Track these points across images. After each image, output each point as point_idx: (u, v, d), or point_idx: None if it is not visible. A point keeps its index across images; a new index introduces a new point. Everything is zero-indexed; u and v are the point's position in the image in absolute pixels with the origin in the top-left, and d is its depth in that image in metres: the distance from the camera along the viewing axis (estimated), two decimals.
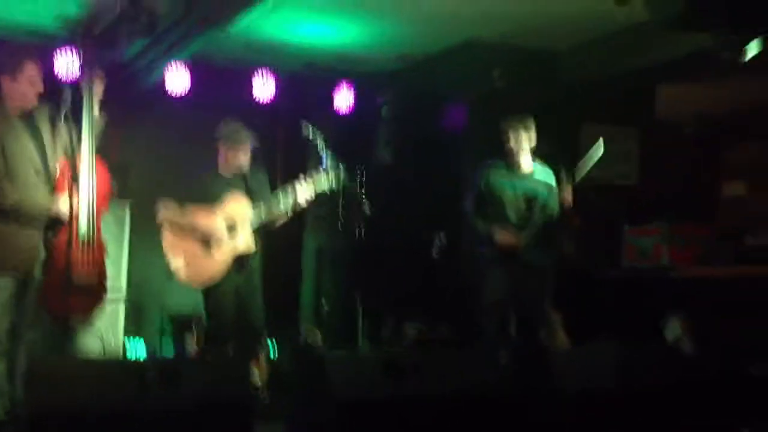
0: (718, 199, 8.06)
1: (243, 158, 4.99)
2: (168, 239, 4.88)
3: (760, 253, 5.74)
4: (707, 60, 4.80)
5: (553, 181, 5.21)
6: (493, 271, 5.00)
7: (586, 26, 5.90)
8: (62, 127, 4.32)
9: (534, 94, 6.38)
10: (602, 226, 6.16)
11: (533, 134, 5.13)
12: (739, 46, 4.23)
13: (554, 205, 5.14)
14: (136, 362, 3.29)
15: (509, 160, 5.16)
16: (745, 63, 4.49)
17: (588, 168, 5.00)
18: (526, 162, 5.18)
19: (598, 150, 5.01)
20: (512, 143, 5.10)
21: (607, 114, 6.93)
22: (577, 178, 4.98)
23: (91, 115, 4.36)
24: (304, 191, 4.90)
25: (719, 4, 3.51)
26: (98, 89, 4.39)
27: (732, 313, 5.11)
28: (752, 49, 4.39)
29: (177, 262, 4.86)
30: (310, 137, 4.98)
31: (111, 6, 5.43)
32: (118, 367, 3.35)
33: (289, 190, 4.93)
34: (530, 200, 5.13)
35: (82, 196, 4.26)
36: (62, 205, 4.19)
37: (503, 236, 4.98)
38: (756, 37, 4.08)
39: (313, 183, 4.96)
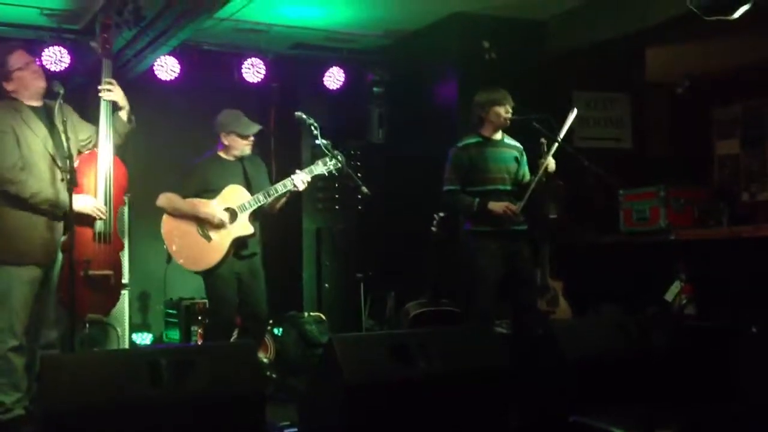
0: (712, 159, 8.11)
1: (244, 146, 5.00)
2: (167, 225, 4.91)
3: (755, 212, 5.78)
4: (694, 21, 4.78)
5: (521, 149, 5.20)
6: (487, 245, 4.96)
7: None
8: (77, 122, 4.37)
9: (523, 64, 6.40)
10: (599, 191, 6.17)
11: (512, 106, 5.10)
12: (727, 7, 4.24)
13: (529, 172, 5.12)
14: (149, 353, 3.32)
15: (487, 133, 5.12)
16: (733, 22, 4.50)
17: (564, 133, 4.97)
18: (500, 133, 5.17)
19: (572, 115, 5.00)
20: (493, 117, 5.07)
21: (597, 80, 6.94)
22: (555, 145, 4.95)
23: (109, 110, 4.41)
24: (301, 176, 4.91)
25: None
26: (112, 84, 4.45)
27: (731, 273, 5.15)
28: (739, 9, 4.39)
29: (176, 247, 4.89)
30: (304, 122, 4.97)
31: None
32: (130, 358, 3.37)
33: (288, 176, 4.95)
34: (511, 169, 5.12)
35: (100, 191, 4.36)
36: (81, 200, 4.23)
37: (498, 207, 4.95)
38: (744, 2, 4.08)
39: (310, 167, 4.97)
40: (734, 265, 5.17)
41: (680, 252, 5.55)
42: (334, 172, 4.97)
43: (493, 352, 3.69)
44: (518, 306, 5.02)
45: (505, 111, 5.05)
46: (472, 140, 5.13)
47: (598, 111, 7.06)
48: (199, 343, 5.93)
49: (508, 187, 5.08)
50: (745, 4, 4.32)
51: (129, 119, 4.57)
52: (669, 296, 5.38)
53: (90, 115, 4.57)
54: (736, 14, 4.38)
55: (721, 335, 3.90)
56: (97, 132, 4.45)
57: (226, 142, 5.01)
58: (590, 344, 3.89)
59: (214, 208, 4.87)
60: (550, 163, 4.96)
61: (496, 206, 4.94)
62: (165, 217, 4.93)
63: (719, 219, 5.48)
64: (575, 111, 5.05)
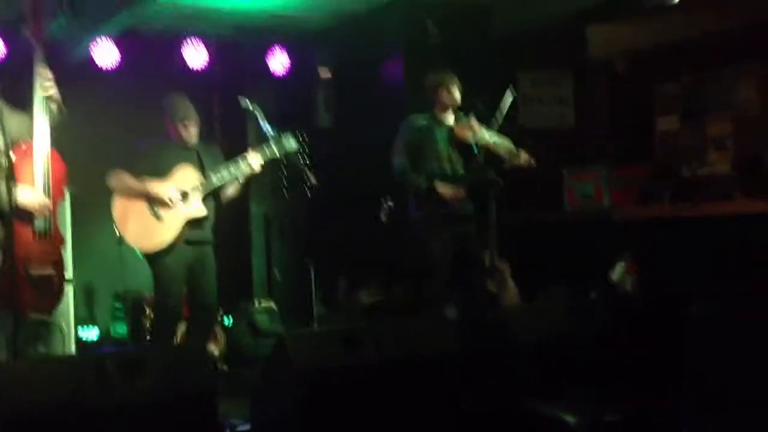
0: (653, 135, 8.23)
1: (192, 130, 4.93)
2: (118, 206, 4.84)
3: (695, 188, 5.90)
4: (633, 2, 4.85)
5: None
6: (436, 229, 4.97)
7: None
8: (11, 115, 4.22)
9: (468, 45, 6.42)
10: (542, 171, 6.22)
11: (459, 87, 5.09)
12: None
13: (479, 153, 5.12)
14: (96, 355, 3.26)
15: (437, 114, 5.12)
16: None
17: (504, 115, 5.00)
18: (451, 115, 5.16)
19: (509, 97, 5.03)
20: (445, 97, 5.06)
21: (541, 60, 6.99)
22: (496, 126, 4.99)
23: (45, 101, 4.24)
24: (252, 161, 4.86)
25: None
26: (46, 74, 4.26)
27: (674, 251, 5.27)
28: None
29: (127, 227, 4.82)
30: (249, 108, 4.91)
31: None
32: (77, 362, 3.32)
33: (239, 161, 4.89)
34: (459, 151, 5.12)
35: (38, 185, 4.20)
36: (25, 194, 4.11)
37: (445, 189, 4.94)
38: None
39: (263, 148, 4.92)
40: (677, 243, 5.29)
41: (624, 231, 5.65)
42: (280, 153, 4.92)
43: (444, 338, 3.72)
44: (468, 288, 5.06)
45: (448, 93, 5.05)
46: (423, 119, 5.13)
47: (543, 89, 7.12)
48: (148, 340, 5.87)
49: (459, 170, 5.09)
50: None
51: (60, 110, 4.42)
52: (614, 276, 5.48)
53: (28, 104, 4.44)
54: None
55: (665, 317, 3.98)
56: (30, 123, 4.30)
57: (168, 125, 4.95)
58: (539, 328, 3.95)
59: (165, 186, 4.80)
60: (494, 146, 4.98)
61: (445, 189, 4.93)
62: (115, 197, 4.86)
63: (660, 197, 5.58)
64: (510, 95, 5.07)
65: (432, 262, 4.94)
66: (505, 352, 3.80)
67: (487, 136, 4.93)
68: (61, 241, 4.47)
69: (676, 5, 4.67)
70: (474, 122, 4.97)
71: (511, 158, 4.91)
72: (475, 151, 4.97)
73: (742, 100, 7.50)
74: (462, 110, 5.12)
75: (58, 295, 4.38)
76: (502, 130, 5.02)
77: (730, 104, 7.59)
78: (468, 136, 4.93)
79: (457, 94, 5.03)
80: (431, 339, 3.73)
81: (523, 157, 4.91)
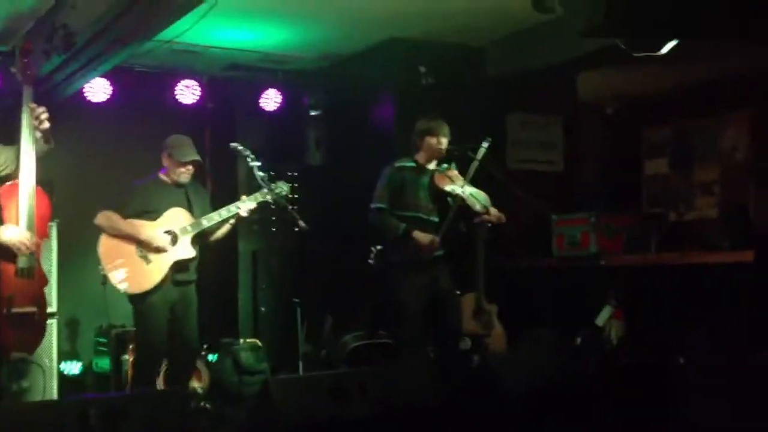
0: (642, 179, 8.32)
1: (180, 172, 4.93)
2: (105, 244, 4.80)
3: (682, 237, 5.95)
4: (625, 50, 4.91)
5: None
6: (409, 275, 4.95)
7: (506, 22, 6.00)
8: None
9: (459, 88, 6.48)
10: (531, 215, 6.25)
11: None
12: (654, 46, 4.36)
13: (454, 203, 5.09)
14: (79, 401, 3.22)
15: (421, 160, 5.13)
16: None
17: (478, 162, 5.02)
18: (434, 163, 5.17)
19: (483, 146, 5.06)
20: (433, 145, 5.06)
21: (531, 104, 7.06)
22: (471, 173, 5.00)
23: (32, 137, 4.21)
24: (247, 204, 4.88)
25: (636, 14, 3.61)
26: (35, 112, 4.24)
27: (660, 298, 5.30)
28: (666, 45, 4.52)
29: (113, 268, 4.77)
30: (240, 153, 4.96)
31: (25, 21, 5.29)
32: (60, 407, 3.29)
33: (230, 205, 4.90)
34: (436, 199, 5.11)
35: (22, 223, 4.16)
36: (7, 231, 4.08)
37: (421, 237, 4.94)
38: (670, 39, 4.20)
39: (255, 195, 4.93)
40: (663, 290, 5.31)
41: (611, 277, 5.68)
42: (278, 201, 4.94)
43: (428, 386, 3.72)
44: (443, 331, 5.05)
45: (437, 142, 5.07)
46: (407, 164, 5.16)
47: (532, 133, 7.19)
48: (130, 374, 5.82)
49: (435, 218, 5.11)
50: (672, 39, 4.44)
51: (47, 141, 4.39)
52: (600, 321, 5.49)
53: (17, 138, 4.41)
54: (664, 50, 4.50)
55: (651, 367, 4.00)
56: (16, 157, 4.26)
57: (165, 164, 4.95)
58: (526, 375, 3.95)
59: (154, 230, 4.78)
60: (469, 198, 4.98)
61: (422, 237, 4.95)
62: (103, 236, 4.81)
63: (647, 245, 5.62)
64: (486, 143, 5.07)
65: (404, 309, 4.93)
66: (491, 401, 3.80)
67: (459, 189, 4.96)
68: (45, 281, 4.42)
69: (665, 55, 4.74)
70: (453, 172, 5.02)
71: (481, 213, 4.92)
72: (450, 201, 5.00)
73: (729, 148, 7.61)
74: (449, 157, 5.15)
75: (39, 334, 4.33)
76: (475, 179, 5.03)
77: (717, 151, 7.70)
78: (445, 185, 4.98)
79: (444, 143, 5.05)
80: (415, 387, 3.72)
81: (494, 213, 4.93)
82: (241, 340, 6.33)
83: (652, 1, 3.60)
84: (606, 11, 3.53)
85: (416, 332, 4.87)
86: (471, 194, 4.94)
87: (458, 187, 4.95)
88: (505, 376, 3.91)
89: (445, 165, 5.10)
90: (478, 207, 4.91)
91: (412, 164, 5.15)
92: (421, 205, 5.06)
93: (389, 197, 5.06)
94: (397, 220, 5.02)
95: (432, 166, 5.17)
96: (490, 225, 4.96)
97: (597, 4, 3.51)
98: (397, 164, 5.16)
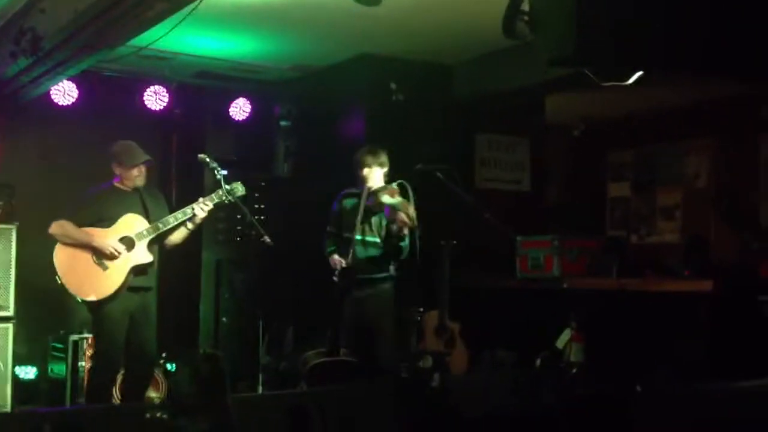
0: (605, 201, 8.43)
1: (134, 177, 4.92)
2: (60, 254, 4.78)
3: (643, 264, 6.03)
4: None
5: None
6: (342, 294, 5.15)
7: (476, 43, 6.05)
8: None
9: (429, 106, 6.52)
10: (496, 236, 6.29)
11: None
12: (621, 76, 4.43)
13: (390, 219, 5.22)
14: (33, 414, 3.17)
15: (359, 186, 5.34)
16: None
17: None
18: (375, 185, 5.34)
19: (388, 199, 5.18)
20: (361, 175, 5.27)
21: (499, 124, 7.12)
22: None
23: None
24: (200, 208, 4.87)
25: (605, 47, 3.66)
26: None
27: (619, 322, 5.36)
28: (633, 75, 4.59)
29: (69, 276, 4.76)
30: (207, 165, 4.96)
31: None
32: (14, 419, 3.23)
33: (187, 208, 4.89)
34: (375, 221, 5.25)
35: None
36: None
37: (333, 261, 5.14)
38: (639, 70, 4.27)
39: (211, 195, 4.94)
40: (622, 315, 5.38)
41: (572, 299, 5.73)
42: (235, 200, 4.94)
43: (391, 411, 3.72)
44: (368, 356, 5.15)
45: (362, 173, 5.28)
46: (350, 191, 5.41)
47: (500, 153, 7.24)
48: (86, 381, 5.75)
49: (375, 239, 5.24)
50: (639, 70, 4.51)
51: None
52: (560, 343, 5.54)
53: None
54: (631, 80, 4.58)
55: (609, 397, 4.03)
56: None
57: (117, 172, 4.95)
58: (484, 401, 3.97)
59: (109, 238, 4.77)
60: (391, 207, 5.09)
61: (333, 259, 5.18)
62: (58, 245, 4.80)
63: (609, 269, 5.68)
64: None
65: (342, 324, 5.11)
66: (448, 428, 3.81)
67: (387, 200, 5.13)
68: None
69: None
70: (385, 192, 5.17)
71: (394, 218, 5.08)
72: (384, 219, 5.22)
73: (691, 174, 7.74)
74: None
75: None
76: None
77: (679, 176, 7.83)
78: (378, 203, 5.17)
79: (373, 175, 5.26)
80: (375, 409, 3.72)
81: (400, 217, 5.04)
82: (201, 350, 6.27)
83: (621, 35, 3.64)
84: (576, 43, 3.56)
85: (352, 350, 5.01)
86: (393, 204, 5.07)
87: (383, 200, 5.12)
88: (462, 401, 3.92)
89: (387, 186, 5.27)
90: (384, 199, 5.08)
91: (355, 189, 5.39)
92: (356, 228, 5.20)
93: (334, 223, 5.39)
94: (330, 243, 5.34)
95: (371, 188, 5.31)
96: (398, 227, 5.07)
97: (567, 35, 3.55)
98: (342, 192, 5.45)
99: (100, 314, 4.83)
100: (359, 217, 5.16)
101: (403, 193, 5.14)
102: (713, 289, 4.93)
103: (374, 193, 5.21)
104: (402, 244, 5.14)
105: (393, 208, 5.04)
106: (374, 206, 5.19)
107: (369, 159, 5.28)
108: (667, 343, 5.05)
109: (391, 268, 5.27)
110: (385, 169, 5.32)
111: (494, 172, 7.13)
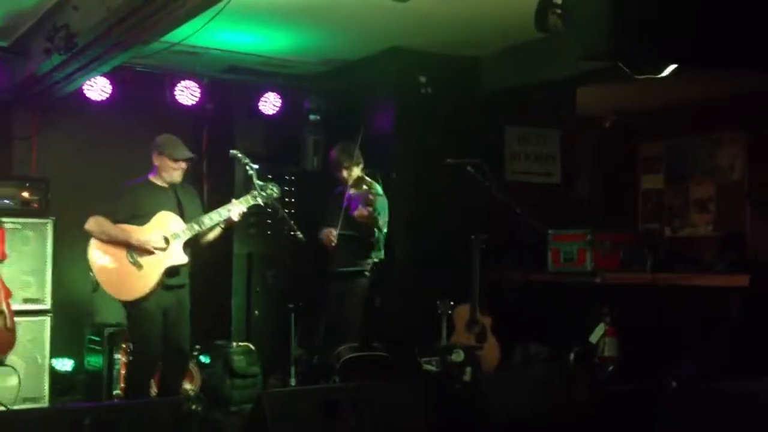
0: (637, 194, 8.34)
1: (173, 171, 4.91)
2: (95, 250, 4.77)
3: (678, 258, 5.96)
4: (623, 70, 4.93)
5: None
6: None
7: (506, 36, 6.01)
8: None
9: (458, 99, 6.50)
10: (527, 229, 6.26)
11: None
12: (655, 70, 4.37)
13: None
14: (71, 409, 3.21)
15: (342, 182, 5.67)
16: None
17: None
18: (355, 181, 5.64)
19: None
20: (339, 175, 5.62)
21: (529, 116, 7.08)
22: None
23: None
24: (238, 207, 4.87)
25: (641, 40, 3.60)
26: None
27: (654, 317, 5.31)
28: (667, 68, 4.53)
29: (104, 274, 4.77)
30: (239, 161, 4.97)
31: (26, 19, 5.27)
32: (52, 416, 3.29)
33: (221, 209, 4.90)
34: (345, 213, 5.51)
35: None
36: None
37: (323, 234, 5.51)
38: (671, 64, 4.21)
39: (246, 197, 4.94)
40: (657, 310, 5.32)
41: (606, 294, 5.68)
42: (270, 203, 4.96)
43: (422, 409, 3.72)
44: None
45: (339, 172, 5.67)
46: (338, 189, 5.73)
47: (530, 146, 7.21)
48: (123, 373, 5.82)
49: (354, 233, 5.52)
50: (672, 63, 4.45)
51: None
52: (593, 338, 5.49)
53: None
54: (665, 73, 4.51)
55: (643, 391, 4.00)
56: None
57: (157, 163, 4.92)
58: (517, 401, 3.94)
59: (148, 234, 4.75)
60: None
61: (322, 233, 5.58)
62: (92, 241, 4.78)
63: (643, 263, 5.62)
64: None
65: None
66: (476, 427, 3.80)
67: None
68: (8, 293, 4.40)
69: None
70: (364, 186, 5.50)
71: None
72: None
73: (725, 166, 7.64)
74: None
75: (9, 342, 4.30)
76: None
77: (712, 169, 7.73)
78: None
79: (353, 173, 5.59)
80: (408, 404, 3.73)
81: (358, 211, 5.38)
82: (234, 344, 6.32)
83: (655, 29, 3.58)
84: (610, 37, 3.51)
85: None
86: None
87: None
88: (492, 400, 3.88)
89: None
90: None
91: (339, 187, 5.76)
92: (336, 220, 5.54)
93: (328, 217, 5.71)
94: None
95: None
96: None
97: (601, 29, 3.50)
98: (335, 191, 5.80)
99: (135, 312, 4.85)
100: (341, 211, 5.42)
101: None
102: (749, 284, 4.86)
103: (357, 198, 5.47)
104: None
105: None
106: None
107: (355, 160, 5.60)
108: (702, 337, 5.00)
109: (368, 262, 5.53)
110: (361, 165, 5.65)
111: (524, 164, 7.10)
